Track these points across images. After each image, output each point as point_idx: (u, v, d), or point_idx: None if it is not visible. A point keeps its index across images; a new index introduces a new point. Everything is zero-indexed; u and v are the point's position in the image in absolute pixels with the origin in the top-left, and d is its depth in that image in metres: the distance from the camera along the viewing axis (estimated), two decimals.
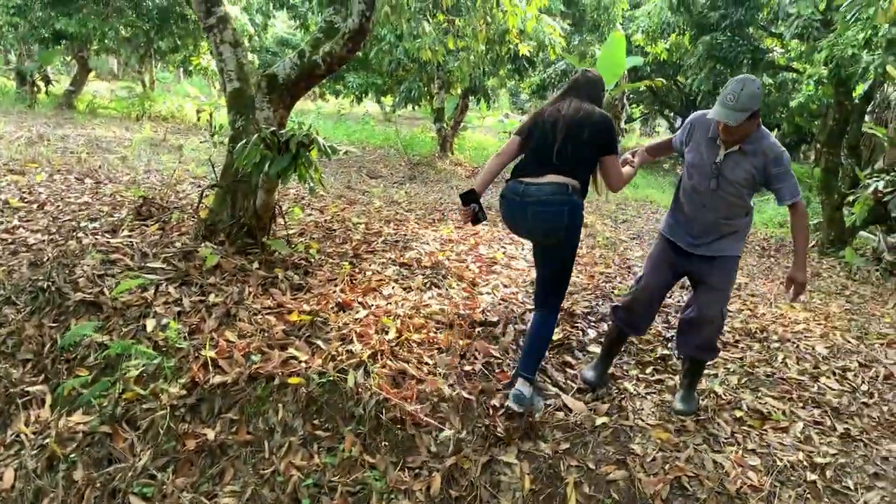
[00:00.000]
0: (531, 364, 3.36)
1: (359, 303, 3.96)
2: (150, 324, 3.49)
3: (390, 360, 3.47)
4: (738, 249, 3.43)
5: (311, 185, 3.57)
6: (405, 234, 5.54)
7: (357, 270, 4.45)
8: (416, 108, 16.61)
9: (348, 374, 3.31)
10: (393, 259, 4.79)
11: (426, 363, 3.55)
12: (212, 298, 3.75)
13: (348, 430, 3.13)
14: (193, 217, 4.61)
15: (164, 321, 3.51)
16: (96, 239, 4.26)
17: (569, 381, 3.65)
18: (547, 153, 3.27)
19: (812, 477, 3.13)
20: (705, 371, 3.95)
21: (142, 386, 3.19)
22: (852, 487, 3.11)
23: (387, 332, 3.68)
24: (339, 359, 3.40)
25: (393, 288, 4.26)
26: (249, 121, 4.24)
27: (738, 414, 3.57)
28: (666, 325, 4.50)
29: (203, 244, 4.17)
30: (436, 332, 3.82)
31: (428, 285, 4.43)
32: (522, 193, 3.26)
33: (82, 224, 4.54)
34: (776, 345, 4.52)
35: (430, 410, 3.27)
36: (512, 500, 2.97)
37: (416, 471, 3.06)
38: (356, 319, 3.76)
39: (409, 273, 4.57)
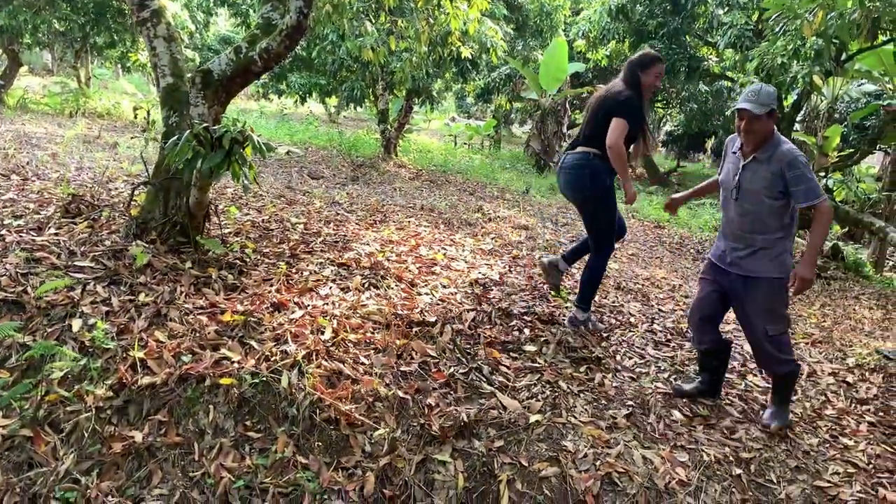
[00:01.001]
0: (581, 296, 4.39)
1: (295, 303, 3.92)
2: (77, 324, 3.38)
3: (325, 360, 3.44)
4: (776, 270, 3.45)
5: (245, 182, 3.51)
6: (345, 235, 5.50)
7: (294, 270, 4.40)
8: (360, 108, 16.54)
9: (282, 374, 3.26)
10: (331, 259, 4.75)
11: (362, 363, 3.53)
12: (142, 298, 3.65)
13: (281, 431, 3.09)
14: (124, 215, 4.48)
15: (91, 321, 3.40)
16: (20, 237, 4.11)
17: (503, 380, 3.68)
18: (580, 130, 4.28)
19: (737, 471, 3.23)
20: (640, 369, 4.05)
21: (66, 388, 3.08)
22: (775, 481, 3.23)
23: (322, 333, 3.65)
24: (272, 359, 3.35)
25: (330, 288, 4.23)
26: (183, 117, 4.16)
27: (669, 411, 3.65)
28: (601, 324, 4.57)
29: (134, 243, 4.06)
30: (373, 333, 3.80)
31: (366, 286, 4.41)
32: (562, 162, 4.33)
33: (6, 221, 4.37)
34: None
35: (365, 410, 3.25)
36: (446, 498, 2.98)
37: (350, 471, 3.04)
38: (291, 320, 3.71)
39: (347, 273, 4.54)
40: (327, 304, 4.00)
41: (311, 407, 3.17)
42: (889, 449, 3.62)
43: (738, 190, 3.46)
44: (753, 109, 3.27)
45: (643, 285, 6.08)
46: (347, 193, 8.08)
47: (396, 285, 4.50)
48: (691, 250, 9.31)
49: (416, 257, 5.27)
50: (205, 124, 3.55)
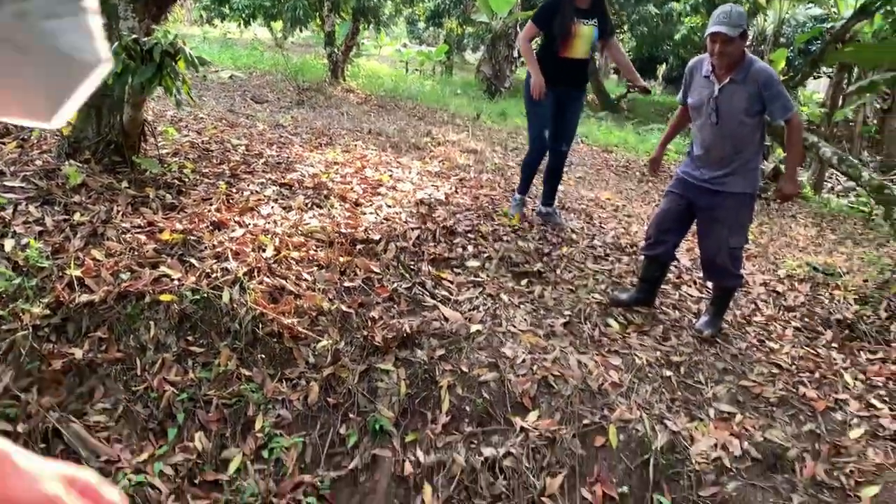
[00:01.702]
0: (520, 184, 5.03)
1: (235, 222, 3.89)
2: (9, 244, 3.31)
3: (267, 276, 3.46)
4: (749, 186, 3.55)
5: (179, 97, 3.42)
6: (288, 157, 5.43)
7: (234, 190, 4.35)
8: (306, 30, 16.02)
9: (223, 290, 3.27)
10: (273, 180, 4.70)
11: (305, 279, 3.55)
12: (77, 217, 3.58)
13: (224, 345, 3.13)
14: (56, 135, 4.34)
15: (25, 241, 3.33)
16: None
17: (446, 294, 3.75)
18: None
19: (668, 373, 3.39)
20: (579, 281, 4.16)
21: (1, 306, 3.04)
22: (703, 381, 3.40)
23: (264, 250, 3.64)
24: (213, 276, 3.35)
25: (272, 207, 4.20)
26: (112, 31, 3.99)
27: (605, 320, 3.79)
28: (543, 241, 4.66)
29: (66, 162, 3.95)
30: (316, 250, 3.81)
31: (309, 205, 4.39)
32: None
33: None
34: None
35: (308, 324, 3.30)
36: (389, 404, 3.07)
37: (294, 381, 3.10)
38: (232, 238, 3.70)
39: (289, 193, 4.51)
40: (269, 222, 3.98)
41: (254, 321, 3.21)
42: (811, 351, 3.83)
43: (716, 113, 3.47)
44: (728, 32, 3.26)
45: (587, 206, 6.17)
46: (292, 117, 7.92)
47: (340, 205, 4.49)
48: (637, 173, 9.43)
49: (361, 178, 5.25)
50: (134, 36, 3.42)
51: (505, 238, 4.56)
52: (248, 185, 4.47)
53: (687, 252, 5.05)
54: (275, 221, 4.00)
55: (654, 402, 3.16)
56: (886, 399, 3.42)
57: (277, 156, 5.40)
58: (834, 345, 3.94)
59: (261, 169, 4.90)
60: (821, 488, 2.80)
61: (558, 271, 4.26)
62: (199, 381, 3.00)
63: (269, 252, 3.63)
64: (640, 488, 2.82)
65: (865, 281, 4.89)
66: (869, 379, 3.59)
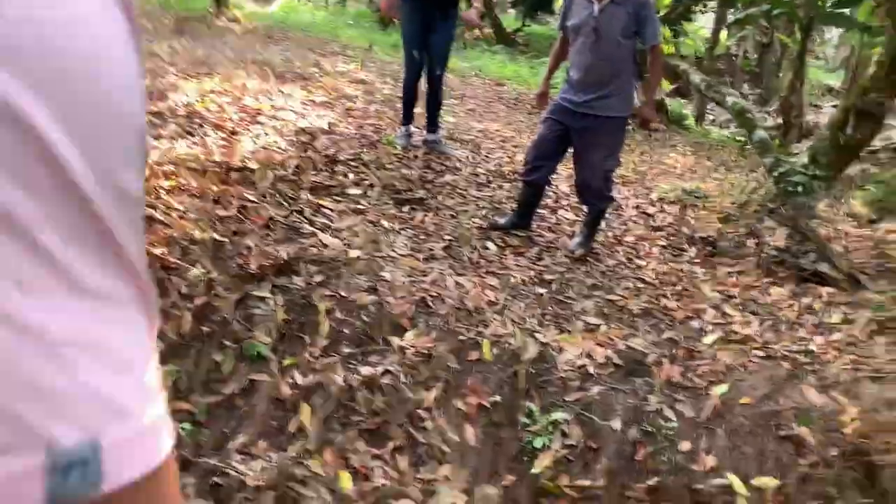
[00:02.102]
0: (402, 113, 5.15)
1: None
2: None
3: None
4: (625, 109, 3.66)
5: None
6: (161, 87, 5.17)
7: None
8: None
9: None
10: None
11: (175, 209, 3.44)
12: None
13: None
14: None
15: None
16: None
17: (325, 222, 3.73)
18: None
19: (541, 290, 3.53)
20: (460, 208, 4.23)
21: None
22: (573, 297, 3.56)
23: None
24: None
25: None
26: None
27: (483, 243, 3.88)
28: (428, 169, 4.68)
29: None
30: (187, 180, 3.69)
31: (181, 134, 4.22)
32: None
33: None
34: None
35: (179, 254, 3.21)
36: (266, 330, 3.05)
37: (166, 312, 3.03)
38: None
39: (159, 122, 4.31)
40: None
41: None
42: (675, 266, 4.07)
43: (595, 33, 3.52)
44: None
45: (476, 137, 6.22)
46: (170, 46, 7.51)
47: (215, 133, 4.34)
48: (527, 106, 9.55)
49: (239, 107, 5.07)
50: None
51: (388, 166, 4.55)
52: None
53: (566, 179, 5.20)
54: None
55: (527, 318, 3.29)
56: (740, 307, 3.69)
57: (150, 85, 5.13)
58: (696, 260, 4.20)
59: None
60: (675, 388, 3.02)
61: (440, 198, 4.31)
62: None
63: None
64: (512, 397, 2.95)
65: (733, 203, 5.19)
66: (725, 290, 3.86)
